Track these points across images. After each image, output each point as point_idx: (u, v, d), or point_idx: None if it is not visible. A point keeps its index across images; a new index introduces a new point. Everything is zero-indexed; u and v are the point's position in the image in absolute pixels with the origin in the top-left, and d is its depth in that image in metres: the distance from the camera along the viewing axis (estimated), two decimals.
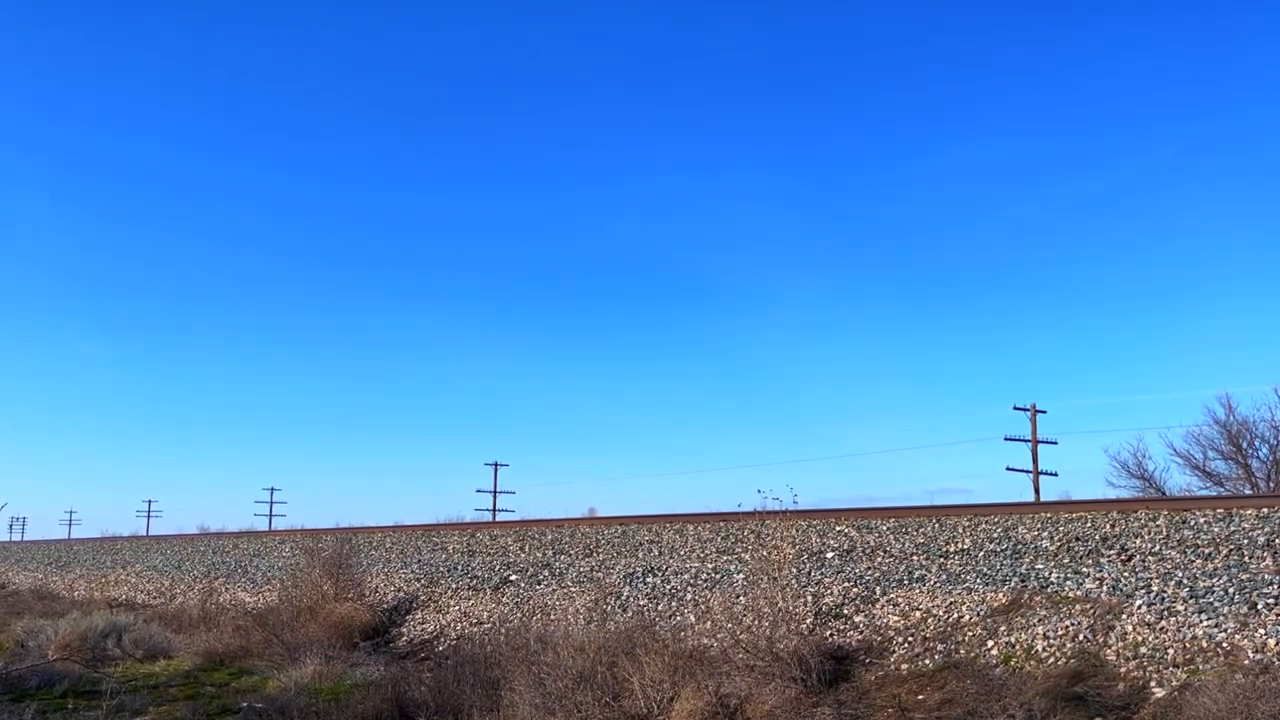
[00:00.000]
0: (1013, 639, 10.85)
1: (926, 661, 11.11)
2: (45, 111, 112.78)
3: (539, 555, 20.21)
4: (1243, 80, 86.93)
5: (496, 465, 61.84)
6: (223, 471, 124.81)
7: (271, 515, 78.24)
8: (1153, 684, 9.20)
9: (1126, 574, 11.43)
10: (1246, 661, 8.98)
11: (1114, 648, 10.00)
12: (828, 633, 12.55)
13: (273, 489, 79.46)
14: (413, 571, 21.74)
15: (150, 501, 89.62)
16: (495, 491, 61.51)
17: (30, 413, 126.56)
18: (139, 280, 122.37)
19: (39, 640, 17.96)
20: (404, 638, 18.23)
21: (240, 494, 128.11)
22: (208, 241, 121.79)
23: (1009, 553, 13.29)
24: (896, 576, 13.53)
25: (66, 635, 18.09)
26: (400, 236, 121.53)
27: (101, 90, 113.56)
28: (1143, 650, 9.76)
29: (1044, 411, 41.65)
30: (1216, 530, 12.05)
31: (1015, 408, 42.15)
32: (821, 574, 14.41)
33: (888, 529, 15.75)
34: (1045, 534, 13.58)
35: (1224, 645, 9.36)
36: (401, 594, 20.44)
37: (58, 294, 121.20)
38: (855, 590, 13.48)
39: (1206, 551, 11.51)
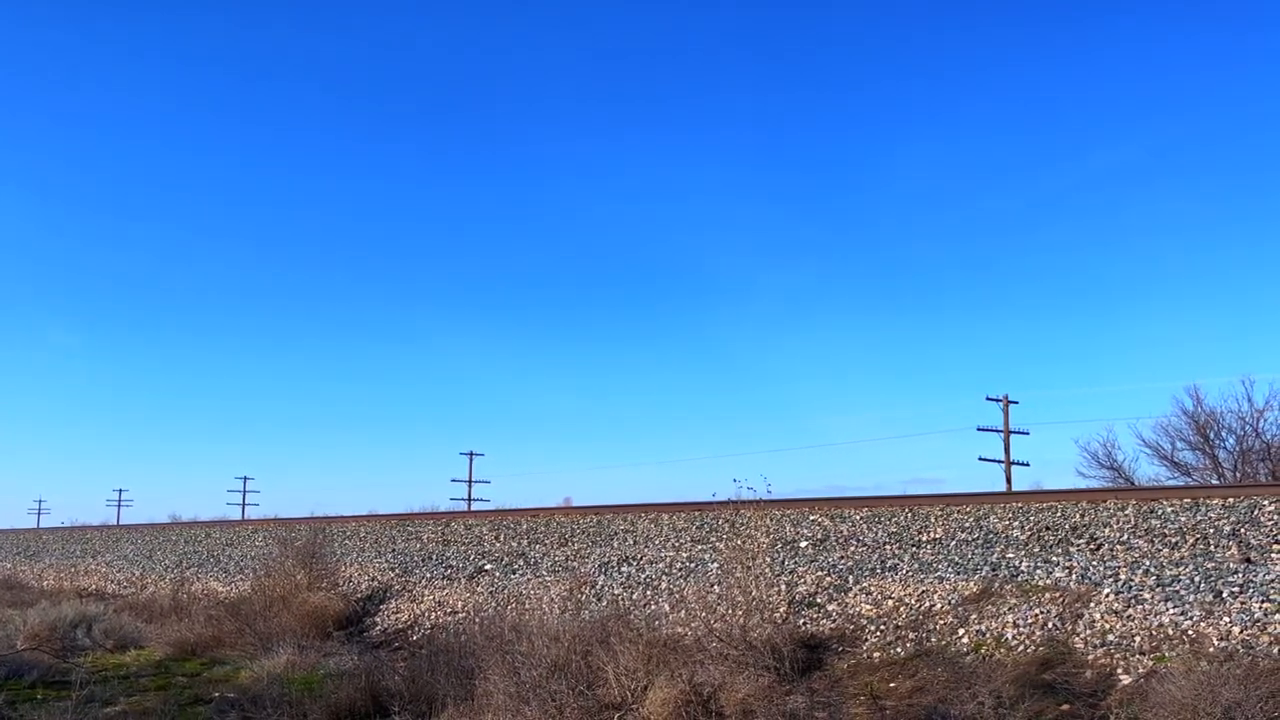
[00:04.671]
0: (983, 627, 10.96)
1: (898, 650, 11.21)
2: (13, 102, 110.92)
3: (514, 545, 20.21)
4: (1214, 78, 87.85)
5: (471, 455, 61.58)
6: (195, 460, 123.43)
7: (244, 505, 77.58)
8: (1120, 671, 9.33)
9: (1095, 563, 11.58)
10: (1212, 649, 9.12)
11: (1082, 636, 10.13)
12: (801, 621, 12.64)
13: (245, 478, 78.62)
14: (387, 561, 21.68)
15: (121, 491, 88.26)
16: (470, 481, 61.28)
17: None
18: (109, 269, 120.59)
19: (7, 630, 17.77)
20: (378, 627, 18.19)
21: (213, 483, 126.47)
22: (179, 231, 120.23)
23: (980, 542, 13.43)
24: (869, 565, 13.64)
25: (36, 625, 17.93)
26: (374, 225, 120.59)
27: (72, 81, 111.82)
28: (1110, 638, 9.89)
29: (1016, 402, 41.92)
30: (1183, 520, 12.22)
31: (988, 398, 42.36)
32: (795, 563, 14.50)
33: (861, 518, 15.86)
34: (1016, 523, 13.72)
35: (1190, 633, 9.51)
36: (375, 583, 20.38)
37: (27, 282, 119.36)
38: (828, 579, 13.58)
39: (1173, 541, 11.67)
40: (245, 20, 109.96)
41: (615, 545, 18.10)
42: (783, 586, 13.61)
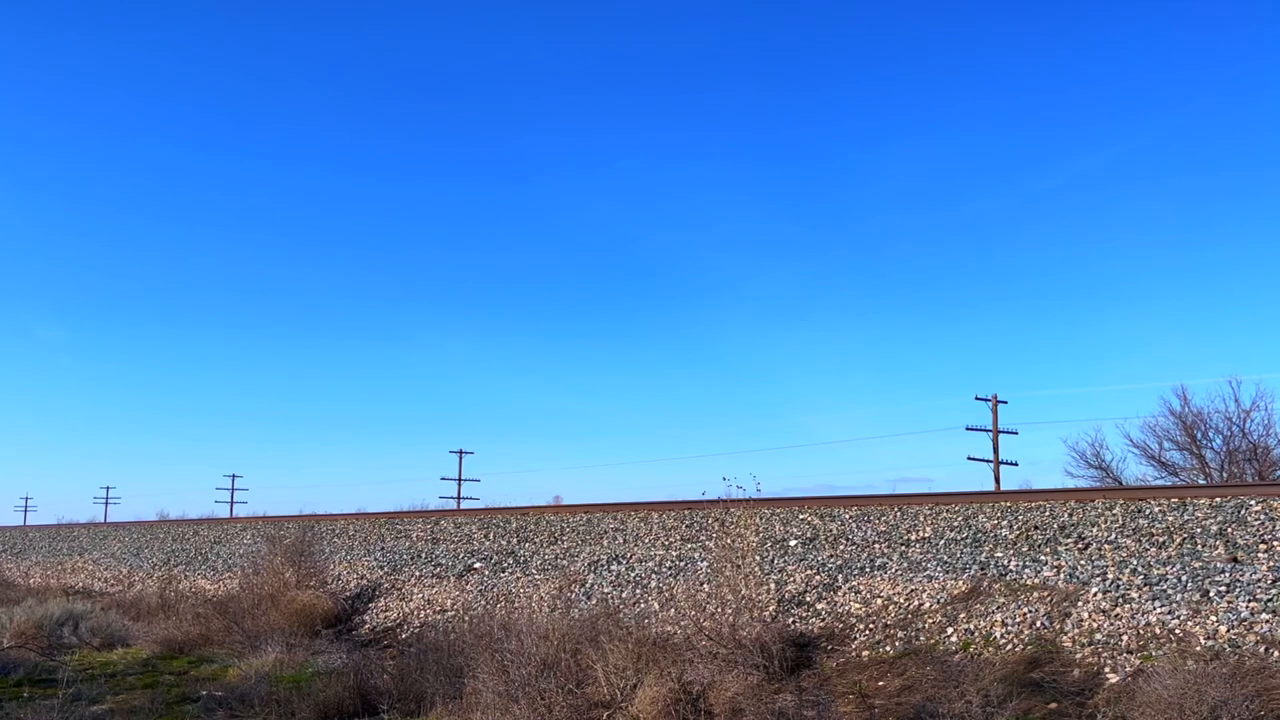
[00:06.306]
0: (972, 626, 11.00)
1: (887, 648, 11.24)
2: (3, 98, 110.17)
3: (503, 543, 20.19)
4: (1201, 79, 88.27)
5: (461, 453, 61.59)
6: (183, 458, 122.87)
7: (233, 502, 77.38)
8: (1107, 670, 9.37)
9: (1083, 562, 11.63)
10: (1198, 648, 9.17)
11: (1070, 635, 10.17)
12: (790, 620, 12.66)
13: (234, 476, 78.53)
14: (376, 559, 21.63)
15: (108, 488, 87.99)
16: (460, 479, 61.26)
17: None
18: (97, 265, 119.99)
19: None
20: (367, 625, 18.14)
21: (201, 481, 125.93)
22: (169, 227, 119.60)
23: (969, 541, 13.47)
24: (858, 564, 13.66)
25: (22, 623, 17.84)
26: (363, 222, 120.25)
27: (58, 74, 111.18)
28: (1098, 637, 9.94)
29: (1005, 402, 42.12)
30: (1171, 519, 12.28)
31: (977, 398, 42.55)
32: (784, 562, 14.52)
33: (850, 517, 15.88)
34: (1005, 523, 13.77)
35: (1177, 632, 9.55)
36: (364, 581, 20.33)
37: (13, 278, 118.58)
38: (818, 578, 13.60)
39: (1161, 540, 11.72)
40: (241, 17, 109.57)
41: (605, 544, 18.10)
42: (772, 585, 13.63)
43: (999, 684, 9.25)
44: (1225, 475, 33.94)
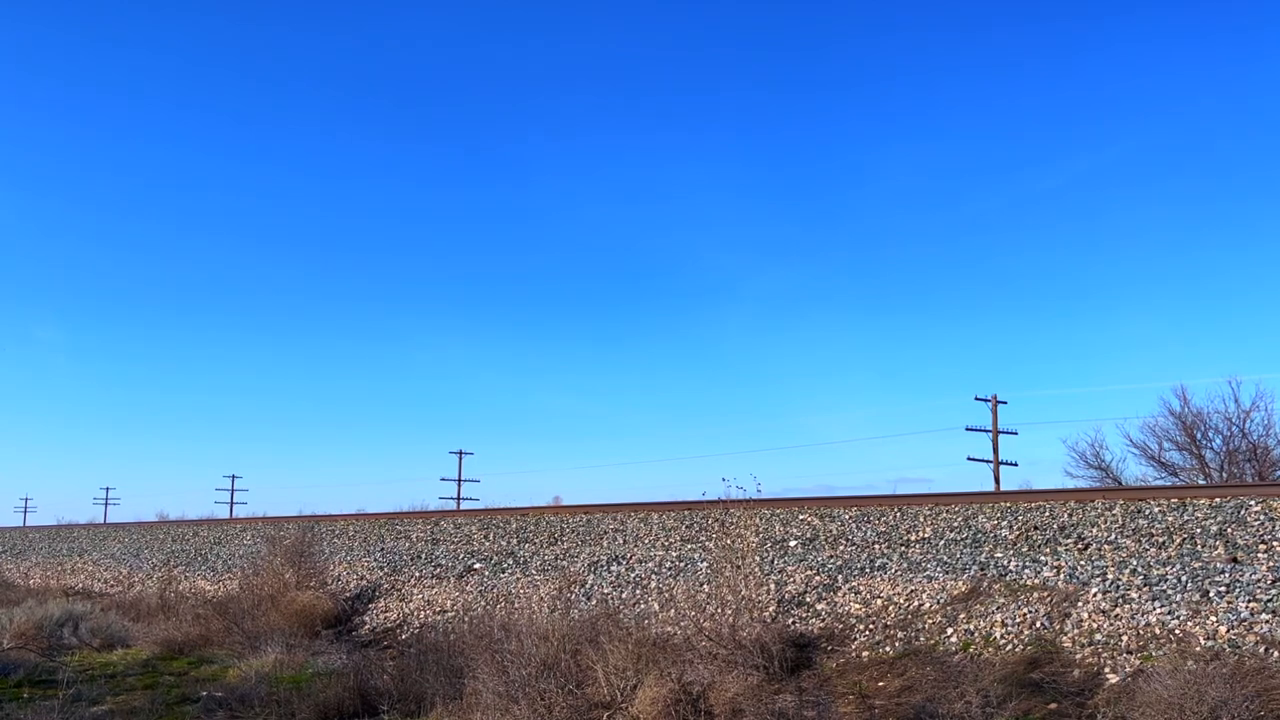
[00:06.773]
0: (972, 626, 11.00)
1: (887, 649, 11.24)
2: (2, 97, 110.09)
3: (503, 544, 20.19)
4: (1199, 81, 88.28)
5: (461, 453, 61.59)
6: (183, 458, 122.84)
7: (233, 503, 77.36)
8: (1107, 670, 9.37)
9: (1083, 562, 11.63)
10: (1198, 648, 9.17)
11: (1070, 635, 10.17)
12: (790, 620, 12.65)
13: (234, 476, 78.52)
14: (376, 560, 21.63)
15: (108, 489, 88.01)
16: (460, 480, 61.26)
17: None
18: (96, 266, 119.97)
19: None
20: (366, 626, 18.14)
21: (201, 481, 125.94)
22: (167, 228, 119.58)
23: (969, 541, 13.47)
24: (858, 565, 13.66)
25: (22, 624, 17.84)
26: (361, 223, 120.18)
27: (58, 74, 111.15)
28: (1098, 637, 9.94)
29: (1005, 402, 42.14)
30: (1170, 519, 12.28)
31: (976, 398, 42.58)
32: (784, 562, 14.52)
33: (850, 518, 15.88)
34: (1005, 523, 13.77)
35: (1176, 632, 9.55)
36: (364, 582, 20.33)
37: (11, 278, 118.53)
38: (818, 578, 13.60)
39: (1160, 540, 11.72)
40: (241, 17, 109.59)
41: (605, 544, 18.10)
42: (772, 585, 13.63)
43: (999, 684, 9.25)
44: (1225, 475, 33.93)
